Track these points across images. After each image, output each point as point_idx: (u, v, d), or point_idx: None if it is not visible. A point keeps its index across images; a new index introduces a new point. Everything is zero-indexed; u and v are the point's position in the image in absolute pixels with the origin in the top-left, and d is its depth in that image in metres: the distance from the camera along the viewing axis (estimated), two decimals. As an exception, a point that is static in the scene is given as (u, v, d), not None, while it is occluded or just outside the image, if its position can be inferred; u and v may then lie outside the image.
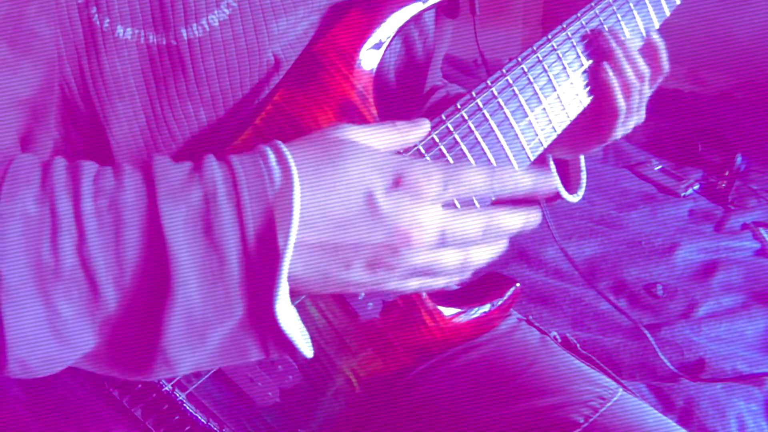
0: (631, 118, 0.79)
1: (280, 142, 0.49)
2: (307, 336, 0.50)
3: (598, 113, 0.78)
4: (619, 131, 0.80)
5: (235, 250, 0.44)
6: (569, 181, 0.90)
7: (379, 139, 0.55)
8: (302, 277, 0.49)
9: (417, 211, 0.49)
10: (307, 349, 0.49)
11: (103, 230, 0.43)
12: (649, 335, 1.35)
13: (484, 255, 0.54)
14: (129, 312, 0.45)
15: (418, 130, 0.58)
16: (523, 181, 0.54)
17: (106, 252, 0.43)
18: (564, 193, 0.87)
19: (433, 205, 0.50)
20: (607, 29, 0.75)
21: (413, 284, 0.53)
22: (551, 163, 0.87)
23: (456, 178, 0.51)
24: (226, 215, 0.44)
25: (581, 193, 0.90)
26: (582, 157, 0.89)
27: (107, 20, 0.52)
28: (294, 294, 0.48)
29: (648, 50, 0.77)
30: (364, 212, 0.48)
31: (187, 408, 0.64)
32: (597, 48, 0.75)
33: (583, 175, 0.89)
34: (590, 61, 0.74)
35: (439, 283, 0.55)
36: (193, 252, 0.44)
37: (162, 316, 0.44)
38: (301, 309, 0.65)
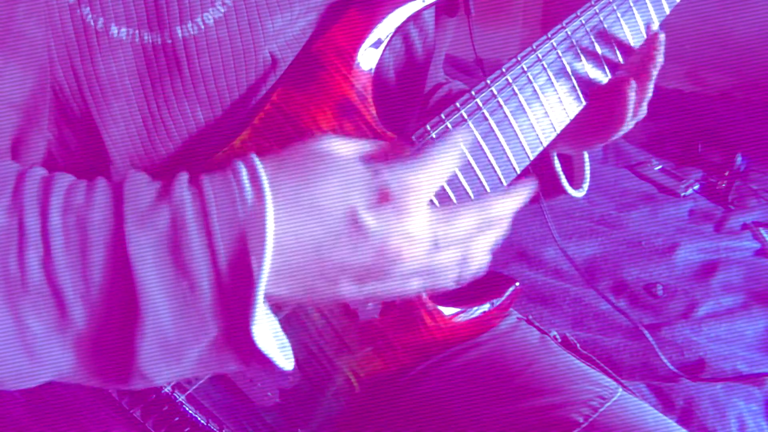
0: (635, 119, 0.80)
1: (255, 156, 0.48)
2: (288, 349, 0.50)
3: (605, 116, 0.78)
4: (622, 131, 0.81)
5: (206, 274, 0.44)
6: (573, 175, 0.90)
7: (358, 145, 0.54)
8: (288, 296, 0.48)
9: (406, 225, 0.48)
10: (286, 364, 0.48)
11: (70, 248, 0.43)
12: (648, 335, 1.35)
13: (485, 244, 0.54)
14: (100, 330, 0.44)
15: (401, 147, 0.58)
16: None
17: (72, 270, 0.42)
18: (568, 188, 0.87)
19: (421, 214, 0.49)
20: (656, 62, 0.75)
21: (414, 285, 0.52)
22: (555, 159, 0.87)
23: (434, 171, 0.51)
24: (195, 239, 0.44)
25: (585, 186, 0.89)
26: (585, 152, 0.89)
27: (101, 20, 0.52)
28: (284, 306, 0.48)
29: (648, 44, 0.77)
30: (346, 232, 0.47)
31: (187, 409, 0.64)
32: (625, 62, 0.75)
33: (587, 169, 0.89)
34: (594, 67, 0.74)
35: (442, 281, 0.54)
36: (161, 276, 0.43)
37: (134, 337, 0.44)
38: (299, 309, 0.65)
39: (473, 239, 0.53)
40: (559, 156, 0.88)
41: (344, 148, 0.52)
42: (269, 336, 0.48)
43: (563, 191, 0.87)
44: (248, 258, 0.44)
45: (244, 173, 0.46)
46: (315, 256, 0.47)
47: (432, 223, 0.50)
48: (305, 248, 0.47)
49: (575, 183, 0.90)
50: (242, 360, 0.48)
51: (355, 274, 0.49)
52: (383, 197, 0.48)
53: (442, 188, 0.65)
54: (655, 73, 0.77)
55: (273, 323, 0.49)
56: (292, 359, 0.50)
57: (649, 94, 0.78)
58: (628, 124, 0.80)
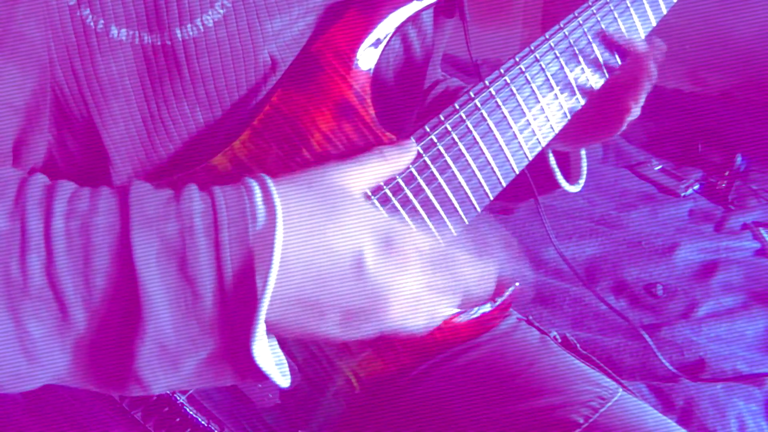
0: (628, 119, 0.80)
1: (268, 178, 0.49)
2: (285, 365, 0.50)
3: (602, 116, 0.79)
4: (619, 132, 0.81)
5: (210, 287, 0.44)
6: (569, 171, 0.90)
7: (370, 175, 0.56)
8: (276, 323, 0.48)
9: (401, 280, 0.50)
10: (282, 381, 0.49)
11: (72, 252, 0.42)
12: (647, 336, 1.35)
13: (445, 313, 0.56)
14: (100, 334, 0.44)
15: (407, 155, 0.60)
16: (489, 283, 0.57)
17: (74, 274, 0.42)
18: (564, 184, 0.87)
19: (421, 277, 0.51)
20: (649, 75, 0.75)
21: (372, 335, 0.54)
22: (550, 155, 0.87)
23: (440, 258, 0.52)
24: (203, 250, 0.44)
25: (582, 182, 0.89)
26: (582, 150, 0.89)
27: (101, 21, 0.52)
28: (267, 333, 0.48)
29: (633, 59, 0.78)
30: (350, 272, 0.48)
31: (188, 410, 0.64)
32: (620, 66, 0.76)
33: (584, 164, 0.89)
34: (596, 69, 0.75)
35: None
36: (165, 284, 0.43)
37: (134, 342, 0.44)
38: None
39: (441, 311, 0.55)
40: (555, 152, 0.88)
41: (355, 176, 0.54)
42: (268, 354, 0.48)
43: (558, 186, 0.87)
44: (253, 276, 0.44)
45: (258, 193, 0.47)
46: (316, 289, 0.48)
47: (421, 287, 0.52)
48: (309, 279, 0.47)
49: (571, 179, 0.90)
50: (240, 375, 0.48)
51: (344, 315, 0.49)
52: (389, 246, 0.50)
53: (439, 185, 0.65)
54: (647, 86, 0.77)
55: (272, 341, 0.50)
56: (289, 376, 0.50)
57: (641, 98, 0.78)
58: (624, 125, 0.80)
